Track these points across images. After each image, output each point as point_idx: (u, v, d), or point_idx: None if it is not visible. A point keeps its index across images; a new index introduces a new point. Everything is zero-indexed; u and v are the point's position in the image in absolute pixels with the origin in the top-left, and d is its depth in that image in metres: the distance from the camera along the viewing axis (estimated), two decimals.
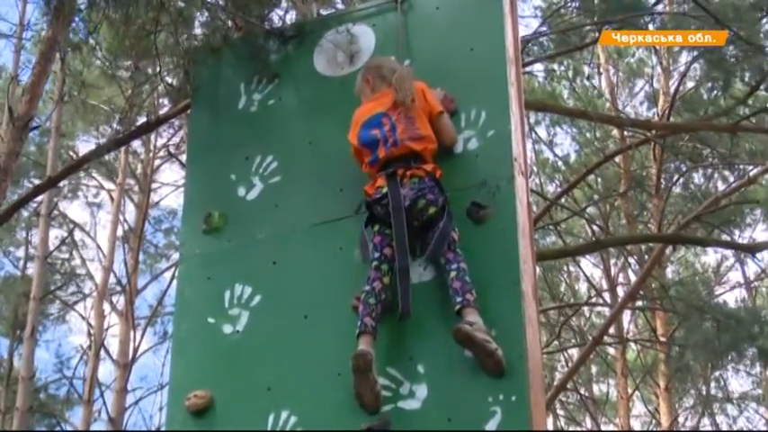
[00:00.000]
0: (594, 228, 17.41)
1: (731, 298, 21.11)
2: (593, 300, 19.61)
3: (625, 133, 16.71)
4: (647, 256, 15.89)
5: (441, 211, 4.93)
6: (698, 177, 17.53)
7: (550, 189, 18.27)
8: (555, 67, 16.35)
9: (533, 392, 4.57)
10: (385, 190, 4.98)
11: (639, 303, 17.08)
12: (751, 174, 15.27)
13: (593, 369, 22.51)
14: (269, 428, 4.97)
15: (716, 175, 17.34)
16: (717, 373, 19.77)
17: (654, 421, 18.92)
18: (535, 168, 17.91)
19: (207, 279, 5.62)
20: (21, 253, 21.48)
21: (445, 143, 5.24)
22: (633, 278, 17.66)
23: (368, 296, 4.85)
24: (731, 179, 16.37)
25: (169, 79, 7.46)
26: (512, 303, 4.75)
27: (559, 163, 19.06)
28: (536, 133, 17.83)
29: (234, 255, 5.61)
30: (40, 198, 15.52)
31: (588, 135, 18.90)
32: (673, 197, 17.37)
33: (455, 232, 4.91)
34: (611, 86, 19.15)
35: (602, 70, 18.72)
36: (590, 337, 16.37)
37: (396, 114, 5.14)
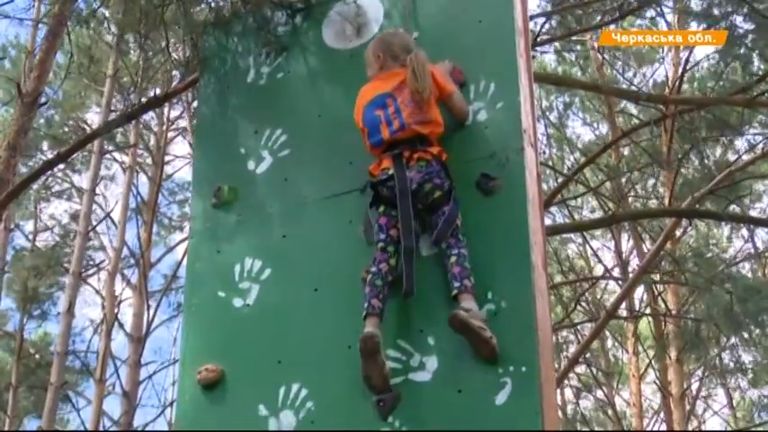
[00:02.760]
0: (608, 204, 17.39)
1: (744, 272, 21.03)
2: (606, 275, 19.62)
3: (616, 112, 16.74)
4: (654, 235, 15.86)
5: (446, 195, 4.91)
6: (711, 152, 17.47)
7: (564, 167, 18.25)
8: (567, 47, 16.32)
9: (543, 364, 4.57)
10: (391, 171, 4.96)
11: (653, 277, 17.05)
12: (764, 147, 15.22)
13: (607, 343, 22.58)
14: (279, 401, 4.98)
15: (728, 152, 17.29)
16: (730, 342, 19.73)
17: (665, 393, 18.89)
18: (552, 145, 17.91)
19: (217, 253, 5.62)
20: (30, 227, 21.55)
21: (458, 119, 5.22)
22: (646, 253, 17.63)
23: (374, 277, 4.84)
24: (742, 149, 16.34)
25: (177, 55, 7.45)
26: (521, 275, 4.73)
27: (575, 141, 19.04)
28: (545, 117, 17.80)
29: (244, 228, 5.61)
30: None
31: (598, 113, 18.90)
32: (686, 172, 17.31)
33: (459, 218, 4.90)
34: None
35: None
36: (603, 312, 16.34)
37: (401, 96, 5.09)
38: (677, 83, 14.52)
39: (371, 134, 5.10)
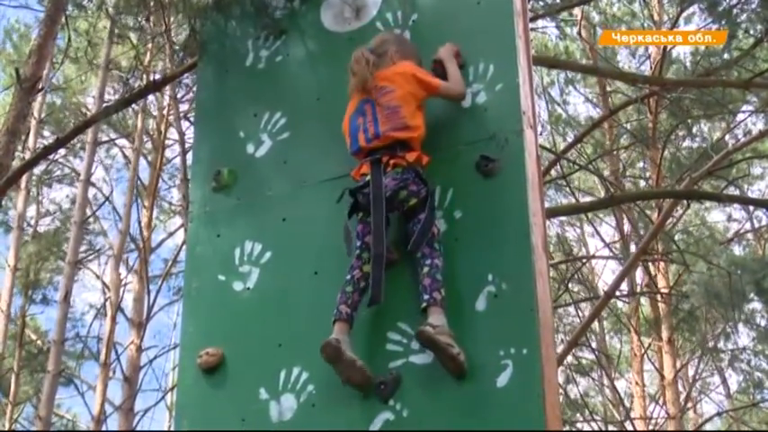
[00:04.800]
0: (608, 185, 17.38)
1: (740, 252, 21.06)
2: (606, 256, 19.67)
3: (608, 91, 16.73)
4: (653, 217, 15.87)
5: (422, 202, 4.87)
6: (700, 132, 17.50)
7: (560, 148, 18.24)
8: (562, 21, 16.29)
9: (544, 346, 4.57)
10: (368, 178, 4.92)
11: (649, 257, 17.07)
12: (761, 127, 15.23)
13: (606, 326, 22.60)
14: (280, 384, 4.99)
15: (722, 131, 17.30)
16: (725, 326, 19.77)
17: (658, 375, 18.94)
18: (548, 126, 17.90)
19: (217, 237, 5.63)
20: (32, 212, 21.54)
21: (457, 102, 5.21)
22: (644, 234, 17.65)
23: (346, 284, 4.84)
24: (740, 134, 16.34)
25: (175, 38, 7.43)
26: (522, 257, 4.74)
27: (571, 121, 19.03)
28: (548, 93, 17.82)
29: (243, 212, 5.61)
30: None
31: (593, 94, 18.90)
32: (682, 152, 17.33)
33: (436, 226, 4.86)
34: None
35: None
36: (602, 292, 16.36)
37: (379, 102, 5.05)
38: (660, 59, 14.44)
39: (351, 142, 5.09)
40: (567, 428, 18.66)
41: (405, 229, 4.91)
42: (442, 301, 4.62)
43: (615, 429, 19.66)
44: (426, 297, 4.63)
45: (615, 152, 17.31)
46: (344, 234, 5.03)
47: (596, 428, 19.71)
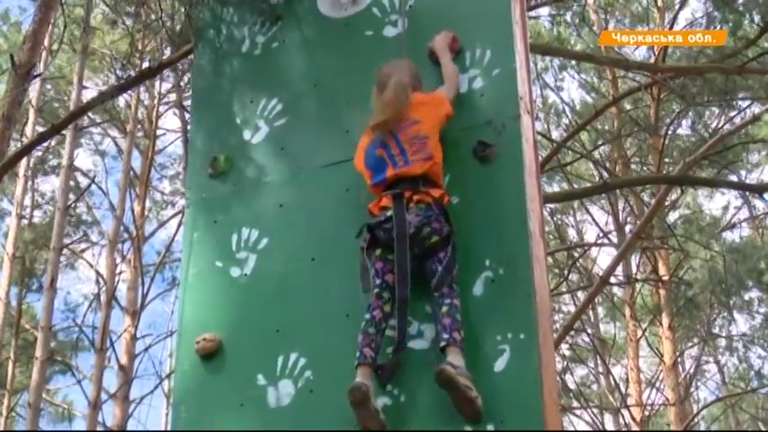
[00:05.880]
0: (602, 172, 17.40)
1: (737, 239, 21.13)
2: (601, 242, 19.67)
3: (618, 77, 16.71)
4: (649, 203, 15.89)
5: (444, 240, 4.74)
6: (697, 118, 17.50)
7: (555, 134, 18.26)
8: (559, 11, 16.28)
9: (541, 331, 4.58)
10: (390, 213, 4.78)
11: (646, 243, 17.10)
12: (755, 111, 15.22)
13: (601, 312, 22.65)
14: (278, 370, 5.00)
15: (718, 116, 17.31)
16: (722, 314, 19.86)
17: (659, 361, 19.00)
18: (542, 115, 17.90)
19: (214, 223, 5.62)
20: (27, 200, 21.50)
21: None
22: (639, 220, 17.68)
23: (367, 325, 4.68)
24: (735, 119, 16.33)
25: (170, 24, 7.41)
26: (519, 242, 4.74)
27: (565, 108, 19.04)
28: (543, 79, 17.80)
29: (240, 198, 5.61)
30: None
31: (593, 81, 18.88)
32: (678, 138, 17.36)
33: (456, 267, 4.73)
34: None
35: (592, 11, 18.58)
36: (597, 278, 16.39)
37: (403, 134, 4.91)
38: (663, 49, 14.46)
39: (374, 175, 4.92)
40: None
41: (422, 265, 4.78)
42: (461, 342, 4.50)
43: None
44: (446, 337, 4.50)
45: (617, 139, 17.27)
46: (361, 271, 4.86)
47: (592, 415, 19.74)
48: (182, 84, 17.04)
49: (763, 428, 24.59)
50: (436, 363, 4.46)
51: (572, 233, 21.46)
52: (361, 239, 4.87)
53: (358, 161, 5.05)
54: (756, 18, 12.31)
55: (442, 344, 4.51)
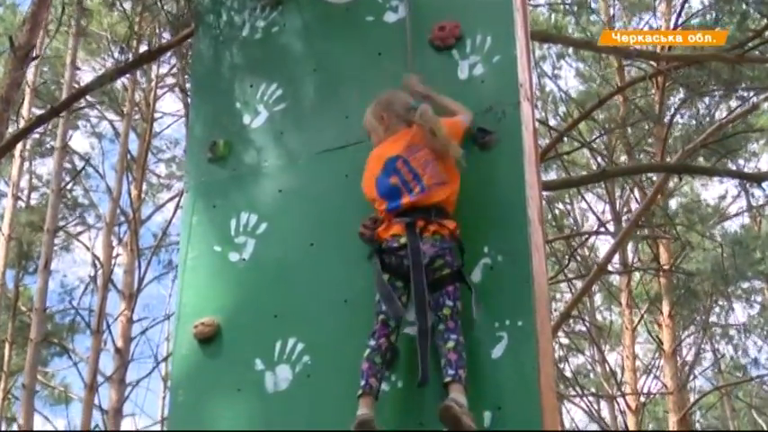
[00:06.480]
0: (600, 160, 17.42)
1: (736, 227, 21.15)
2: (598, 230, 19.69)
3: (624, 65, 16.72)
4: (649, 191, 15.90)
5: (454, 275, 4.67)
6: (702, 108, 17.50)
7: (553, 122, 18.24)
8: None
9: (539, 318, 4.59)
10: (403, 240, 4.68)
11: (645, 232, 17.12)
12: (755, 100, 15.22)
13: (598, 300, 22.68)
14: (276, 355, 5.00)
15: (721, 106, 17.32)
16: (720, 303, 19.91)
17: (657, 348, 19.03)
18: (539, 104, 17.89)
19: (213, 207, 5.62)
20: (24, 183, 21.47)
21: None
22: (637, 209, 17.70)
23: (374, 353, 4.57)
24: (735, 108, 16.35)
25: (169, 8, 7.40)
26: (518, 229, 4.75)
27: (562, 96, 19.03)
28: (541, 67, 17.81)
29: (239, 183, 5.60)
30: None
31: (591, 70, 18.88)
32: (677, 127, 17.36)
33: (460, 301, 4.65)
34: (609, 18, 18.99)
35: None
36: (595, 266, 16.41)
37: (414, 157, 4.81)
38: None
39: (389, 202, 4.79)
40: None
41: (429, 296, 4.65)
42: (466, 380, 4.41)
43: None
44: (452, 372, 4.41)
45: (621, 127, 17.26)
46: (385, 294, 4.67)
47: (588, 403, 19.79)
48: (181, 66, 17.00)
49: (756, 417, 24.64)
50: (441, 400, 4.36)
51: (570, 222, 21.43)
52: (373, 262, 4.76)
53: (368, 189, 4.92)
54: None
55: (448, 379, 4.40)
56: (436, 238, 4.69)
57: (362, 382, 4.50)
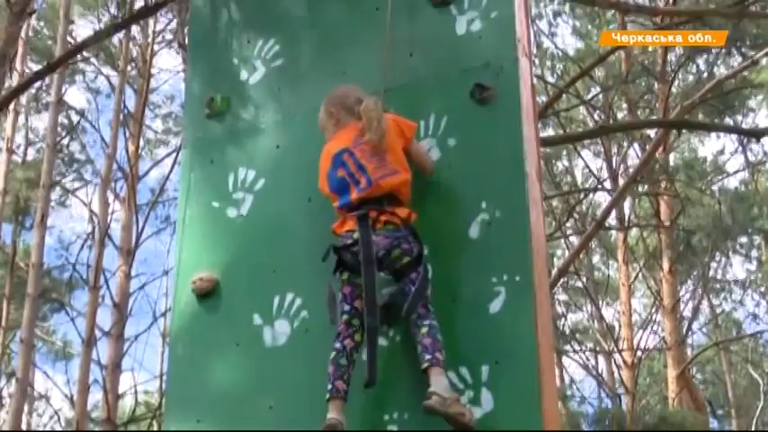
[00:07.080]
0: (597, 117, 17.41)
1: (734, 183, 21.17)
2: (596, 187, 19.69)
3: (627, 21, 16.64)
4: (647, 146, 15.89)
5: (415, 261, 4.61)
6: (702, 64, 17.47)
7: (551, 79, 18.19)
8: None
9: (537, 273, 4.60)
10: (356, 235, 4.62)
11: (642, 188, 17.14)
12: (754, 57, 15.17)
13: (596, 257, 22.73)
14: (274, 310, 5.03)
15: (719, 62, 17.28)
16: (719, 258, 19.94)
17: (657, 304, 19.09)
18: (537, 61, 17.84)
19: (210, 163, 5.62)
20: (20, 139, 21.44)
21: (425, 171, 4.93)
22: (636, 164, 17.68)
23: (338, 356, 4.52)
24: (735, 65, 16.31)
25: None
26: (515, 184, 4.75)
27: (559, 53, 18.98)
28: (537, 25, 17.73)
29: (237, 139, 5.60)
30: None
31: (589, 26, 18.82)
32: (677, 84, 17.32)
33: (429, 286, 4.61)
34: None
35: None
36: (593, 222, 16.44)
37: (359, 149, 4.74)
38: None
39: (341, 197, 4.75)
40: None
41: (395, 287, 4.67)
42: (444, 362, 4.35)
43: None
44: (429, 357, 4.35)
45: (624, 83, 17.21)
46: (328, 298, 4.76)
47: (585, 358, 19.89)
48: (179, 21, 16.94)
49: (752, 371, 24.78)
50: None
51: (569, 180, 21.43)
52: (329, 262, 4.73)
53: (323, 185, 4.87)
54: None
55: (425, 365, 4.35)
56: (389, 228, 4.64)
57: (329, 386, 4.47)
